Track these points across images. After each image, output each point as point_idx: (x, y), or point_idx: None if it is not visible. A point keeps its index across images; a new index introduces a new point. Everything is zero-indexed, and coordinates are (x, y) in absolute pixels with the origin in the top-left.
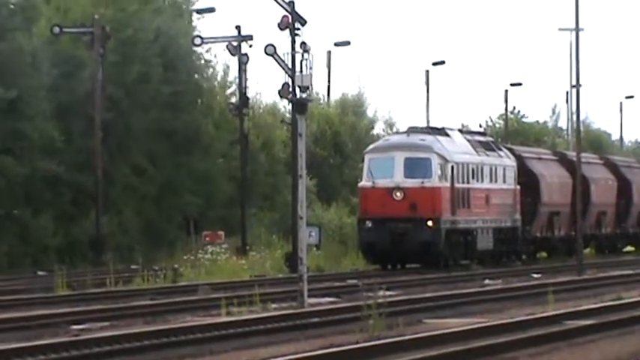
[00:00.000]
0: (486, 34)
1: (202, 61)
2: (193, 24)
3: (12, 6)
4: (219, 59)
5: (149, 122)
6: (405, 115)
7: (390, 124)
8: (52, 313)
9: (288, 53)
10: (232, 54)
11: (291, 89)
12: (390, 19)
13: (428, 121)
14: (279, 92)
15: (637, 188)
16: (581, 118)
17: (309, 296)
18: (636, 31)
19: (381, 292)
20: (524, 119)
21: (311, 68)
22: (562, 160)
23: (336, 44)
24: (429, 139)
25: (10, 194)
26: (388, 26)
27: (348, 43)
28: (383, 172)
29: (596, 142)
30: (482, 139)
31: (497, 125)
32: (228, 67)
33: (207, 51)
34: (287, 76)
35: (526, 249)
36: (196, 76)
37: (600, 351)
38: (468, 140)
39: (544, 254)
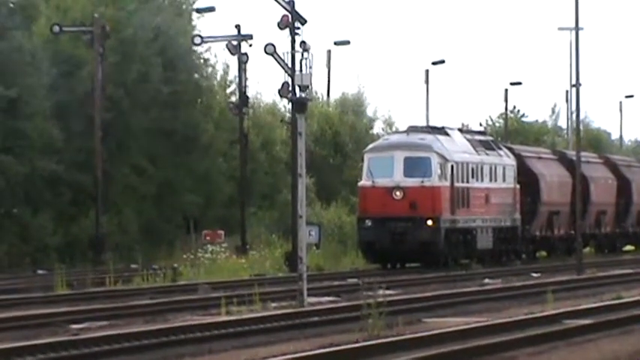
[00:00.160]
0: (486, 34)
1: (202, 61)
2: (193, 23)
3: (12, 5)
4: (219, 58)
5: (149, 121)
6: (405, 114)
7: (389, 124)
8: (51, 312)
9: (287, 52)
10: (232, 53)
11: (290, 88)
12: (390, 19)
13: (427, 121)
14: (279, 91)
15: (636, 187)
16: (581, 117)
17: (308, 295)
18: (636, 31)
19: (380, 292)
20: (524, 118)
21: (311, 67)
22: (562, 159)
23: (335, 43)
24: (428, 138)
25: (9, 193)
26: (388, 25)
27: (347, 42)
28: (383, 172)
29: (595, 142)
30: (481, 138)
31: (497, 124)
32: (228, 66)
33: (206, 50)
34: (287, 75)
35: (526, 248)
36: (196, 75)
37: (599, 350)
38: (468, 139)
39: (544, 253)
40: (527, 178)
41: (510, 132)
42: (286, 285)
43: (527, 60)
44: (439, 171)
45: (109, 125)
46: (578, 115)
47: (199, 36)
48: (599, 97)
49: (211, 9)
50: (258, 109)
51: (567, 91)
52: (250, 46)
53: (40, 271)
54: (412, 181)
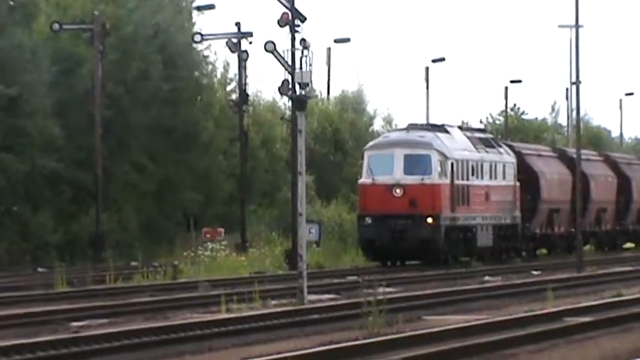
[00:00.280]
0: (486, 31)
1: (202, 58)
2: (193, 20)
3: (12, 2)
4: (219, 56)
5: (149, 119)
6: (405, 111)
7: (389, 121)
8: (51, 309)
9: (287, 50)
10: (232, 51)
11: (290, 86)
12: (390, 16)
13: (427, 118)
14: (279, 89)
15: (637, 185)
16: (581, 114)
17: (308, 293)
18: (636, 29)
19: (380, 289)
20: (524, 116)
21: (311, 65)
22: (562, 156)
23: (335, 41)
24: (428, 135)
25: (10, 191)
26: (388, 23)
27: (347, 40)
28: (383, 169)
29: (595, 139)
30: (482, 135)
31: (498, 122)
32: (228, 63)
33: (206, 48)
34: (287, 72)
35: (526, 246)
36: (196, 73)
37: (599, 348)
38: (468, 137)
39: (544, 251)
40: (527, 175)
41: (510, 129)
42: (286, 283)
43: (528, 57)
44: (439, 168)
45: (109, 123)
46: (578, 113)
47: (199, 33)
48: (599, 95)
49: (211, 6)
50: (258, 107)
51: (567, 89)
52: (250, 43)
53: (40, 269)
54: (412, 179)
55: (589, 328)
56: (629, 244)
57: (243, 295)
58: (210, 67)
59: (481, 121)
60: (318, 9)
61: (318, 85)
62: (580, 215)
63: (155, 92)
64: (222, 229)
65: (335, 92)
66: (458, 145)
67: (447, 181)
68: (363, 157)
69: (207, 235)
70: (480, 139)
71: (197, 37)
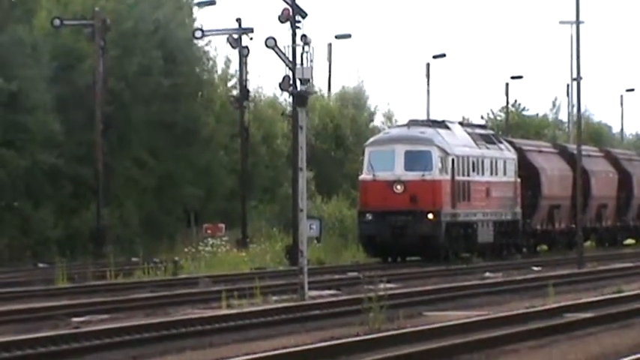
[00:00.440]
0: (487, 27)
1: (203, 54)
2: (194, 16)
3: None
4: (220, 52)
5: (150, 114)
6: (406, 107)
7: (389, 117)
8: (52, 305)
9: (288, 46)
10: (233, 47)
11: (291, 82)
12: (391, 12)
13: (428, 114)
14: (280, 85)
15: (637, 181)
16: (582, 110)
17: (309, 289)
18: (637, 24)
19: (381, 285)
20: (524, 112)
21: (311, 61)
22: (562, 152)
23: (336, 37)
24: (429, 131)
25: (10, 187)
26: (389, 19)
27: (348, 35)
28: (383, 165)
29: (596, 135)
30: (482, 131)
31: (498, 118)
32: (229, 59)
33: (207, 44)
34: (288, 68)
35: (526, 242)
36: (197, 68)
37: (600, 344)
38: (469, 133)
39: (544, 247)
40: (528, 171)
41: (511, 125)
42: (287, 278)
43: (528, 53)
44: (440, 164)
45: (110, 118)
46: (579, 109)
47: (200, 29)
48: (600, 91)
49: (211, 2)
50: (259, 103)
51: (568, 85)
52: (251, 39)
53: (40, 264)
54: (413, 175)
55: (590, 324)
56: (629, 240)
57: (243, 291)
58: (210, 62)
59: (482, 117)
60: (319, 5)
61: (319, 81)
62: (581, 211)
63: (156, 88)
64: (222, 225)
65: (336, 88)
66: (459, 141)
67: (448, 177)
68: (363, 153)
69: (208, 231)
70: (481, 135)
71: (198, 33)
